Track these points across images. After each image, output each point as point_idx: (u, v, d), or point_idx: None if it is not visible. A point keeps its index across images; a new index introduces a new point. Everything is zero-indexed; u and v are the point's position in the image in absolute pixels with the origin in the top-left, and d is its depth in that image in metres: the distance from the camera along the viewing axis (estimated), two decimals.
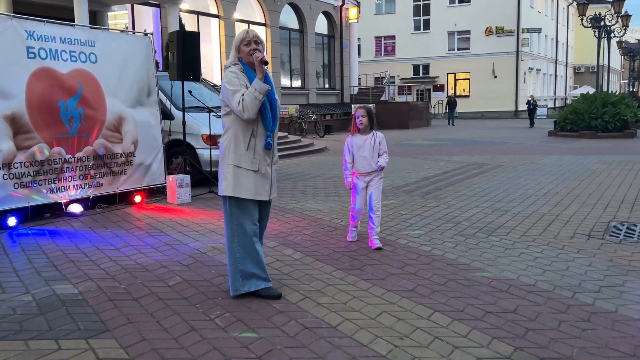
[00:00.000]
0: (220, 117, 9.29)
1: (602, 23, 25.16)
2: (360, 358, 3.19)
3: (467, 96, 43.11)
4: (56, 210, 7.13)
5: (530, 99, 30.14)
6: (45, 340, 3.45)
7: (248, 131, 3.95)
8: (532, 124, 29.20)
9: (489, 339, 3.43)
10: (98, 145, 7.49)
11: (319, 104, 24.82)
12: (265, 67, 3.95)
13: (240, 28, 21.20)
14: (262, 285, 4.10)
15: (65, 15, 12.13)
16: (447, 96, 36.45)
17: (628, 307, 3.89)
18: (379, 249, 5.41)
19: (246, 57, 3.98)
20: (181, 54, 8.47)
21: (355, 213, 5.65)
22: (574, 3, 47.40)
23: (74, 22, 11.43)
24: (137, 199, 7.94)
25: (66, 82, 7.08)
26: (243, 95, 3.82)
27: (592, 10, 31.36)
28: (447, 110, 33.23)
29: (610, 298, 4.08)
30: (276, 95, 4.13)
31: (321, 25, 26.27)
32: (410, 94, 34.98)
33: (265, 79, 3.93)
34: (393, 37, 45.14)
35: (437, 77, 43.96)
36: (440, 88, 43.79)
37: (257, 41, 4.00)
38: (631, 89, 46.66)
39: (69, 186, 7.18)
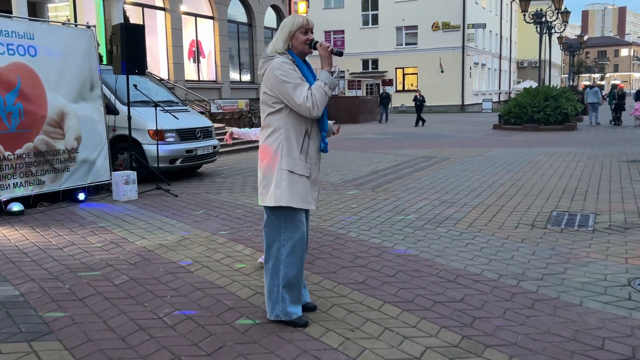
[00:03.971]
0: (166, 112, 9.22)
1: (543, 19, 25.93)
2: (311, 351, 3.19)
3: (416, 91, 43.69)
4: None
5: (417, 94, 27.39)
6: None
7: (302, 132, 3.44)
8: (419, 121, 25.84)
9: (437, 328, 3.49)
10: (39, 141, 7.23)
11: None
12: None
13: (187, 21, 20.86)
14: (300, 312, 3.59)
15: (2, 7, 11.64)
16: (381, 92, 31.75)
17: (569, 294, 4.03)
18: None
19: (301, 45, 3.44)
20: (125, 47, 8.26)
21: None
22: None
23: (11, 13, 10.99)
24: (81, 196, 7.72)
25: (3, 77, 6.80)
26: (311, 89, 3.35)
27: (534, 6, 32.18)
28: (379, 105, 29.66)
29: (553, 285, 4.21)
30: None
31: (270, 19, 26.10)
32: (360, 89, 35.27)
33: (313, 73, 3.52)
34: (342, 32, 45.28)
35: (386, 71, 44.38)
36: (390, 82, 44.23)
37: (312, 31, 3.53)
38: (571, 83, 48.33)
39: (9, 184, 6.91)
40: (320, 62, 3.45)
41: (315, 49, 3.49)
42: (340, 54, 3.47)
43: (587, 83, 73.96)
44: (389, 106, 30.76)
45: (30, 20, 7.98)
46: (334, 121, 3.98)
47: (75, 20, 16.29)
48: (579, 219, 6.39)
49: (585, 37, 59.13)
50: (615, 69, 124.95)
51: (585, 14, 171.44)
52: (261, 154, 3.52)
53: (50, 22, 9.07)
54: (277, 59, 3.40)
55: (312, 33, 3.49)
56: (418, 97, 26.75)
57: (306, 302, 3.76)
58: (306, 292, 3.80)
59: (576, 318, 3.61)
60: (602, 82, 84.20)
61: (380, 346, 3.25)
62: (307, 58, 3.54)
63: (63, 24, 9.20)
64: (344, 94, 32.03)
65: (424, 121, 25.98)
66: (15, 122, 6.93)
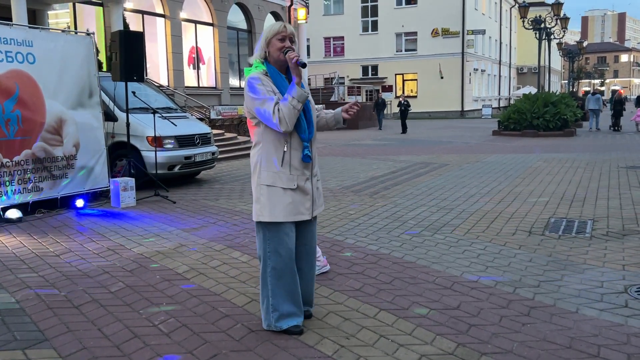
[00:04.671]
0: (165, 119, 9.23)
1: (542, 25, 26.00)
2: (306, 359, 3.18)
3: (415, 96, 43.78)
4: None
5: (401, 99, 26.00)
6: None
7: (281, 145, 3.38)
8: (404, 129, 24.54)
9: (433, 335, 3.48)
10: (37, 148, 7.24)
11: None
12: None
13: (187, 28, 20.92)
14: (295, 322, 3.52)
15: (2, 14, 11.68)
16: (376, 98, 29.33)
17: (565, 301, 4.03)
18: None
19: (276, 53, 3.38)
20: (124, 54, 8.28)
21: None
22: (516, 6, 48.78)
23: (11, 21, 11.03)
24: (80, 203, 7.72)
25: (2, 84, 6.81)
26: (278, 105, 3.26)
27: (533, 12, 32.34)
28: (374, 111, 28.29)
29: (549, 292, 4.21)
30: (310, 96, 3.52)
31: None
32: (359, 95, 35.29)
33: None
34: (342, 38, 45.41)
35: (386, 77, 44.46)
36: (389, 89, 44.30)
37: (292, 39, 3.42)
38: (571, 89, 48.40)
39: (7, 191, 6.92)
40: (292, 72, 3.36)
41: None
42: (303, 65, 3.33)
43: (587, 89, 74.14)
44: (384, 112, 29.52)
45: (29, 27, 8.01)
46: (322, 106, 3.84)
47: (76, 27, 16.35)
48: (576, 225, 6.39)
49: (585, 43, 59.23)
50: (615, 74, 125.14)
51: (585, 20, 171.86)
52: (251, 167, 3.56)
53: (50, 30, 9.10)
54: (248, 77, 3.40)
55: (291, 41, 3.40)
56: (402, 102, 25.47)
57: (296, 325, 3.59)
58: (310, 305, 3.76)
59: (572, 325, 3.60)
60: (602, 88, 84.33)
61: (375, 354, 3.25)
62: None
63: (63, 31, 9.24)
64: (344, 100, 32.04)
65: (405, 128, 24.56)
66: (13, 129, 6.94)
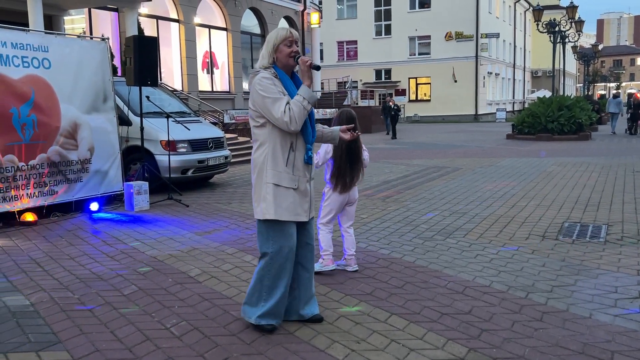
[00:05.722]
0: (178, 123, 9.29)
1: (557, 28, 25.83)
2: None
3: (428, 100, 43.69)
4: (9, 219, 6.93)
5: (391, 103, 24.83)
6: None
7: (287, 145, 3.48)
8: (394, 134, 23.66)
9: (444, 340, 3.47)
10: (52, 152, 7.32)
11: None
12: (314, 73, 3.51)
13: (201, 33, 21.06)
14: (274, 321, 3.60)
15: (19, 20, 11.83)
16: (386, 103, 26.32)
17: (578, 306, 3.99)
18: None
19: (285, 58, 3.48)
20: (138, 59, 8.35)
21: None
22: (531, 9, 48.51)
23: (28, 26, 11.17)
24: (94, 206, 7.79)
25: (18, 89, 6.90)
26: (289, 104, 3.37)
27: (548, 15, 32.16)
28: (381, 116, 26.10)
29: (562, 297, 4.17)
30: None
31: None
32: (372, 99, 35.29)
33: (298, 84, 3.52)
34: (355, 42, 45.44)
35: (399, 81, 44.41)
36: (402, 92, 44.26)
37: (297, 44, 3.55)
38: (586, 93, 47.99)
39: (22, 195, 7.00)
40: (301, 76, 3.49)
41: (298, 62, 3.52)
42: (317, 68, 3.45)
43: (603, 92, 73.45)
44: (397, 118, 26.97)
45: (45, 33, 8.11)
46: (324, 126, 3.88)
47: (91, 32, 16.52)
48: (591, 230, 6.33)
49: (600, 46, 58.76)
50: (631, 78, 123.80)
51: (600, 23, 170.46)
52: (252, 167, 3.60)
53: (65, 35, 9.21)
54: (259, 74, 3.47)
55: (297, 46, 3.53)
56: (392, 106, 24.18)
57: (314, 314, 3.76)
58: (314, 305, 3.79)
59: (585, 331, 3.57)
60: (619, 91, 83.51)
61: (386, 358, 3.24)
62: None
63: (78, 36, 9.34)
64: (357, 103, 32.05)
65: (394, 134, 23.68)
66: (29, 133, 7.02)
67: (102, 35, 8.48)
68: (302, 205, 3.55)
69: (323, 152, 4.66)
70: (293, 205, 3.50)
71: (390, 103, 24.88)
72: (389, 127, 24.89)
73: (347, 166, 4.67)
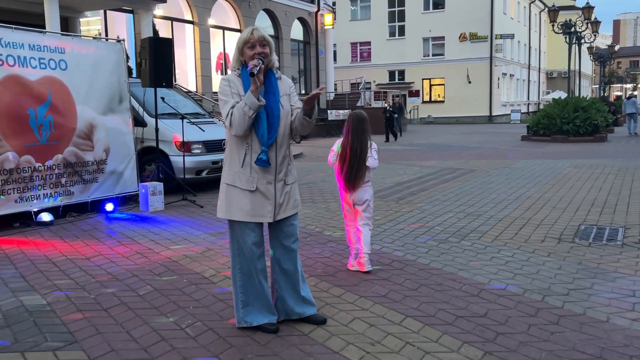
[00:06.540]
0: (193, 124, 9.33)
1: (572, 29, 25.63)
2: None
3: (442, 101, 43.54)
4: (26, 219, 7.00)
5: (386, 105, 23.87)
6: (10, 353, 3.38)
7: (243, 146, 3.48)
8: (394, 136, 22.92)
9: (459, 343, 3.45)
10: (68, 153, 7.38)
11: None
12: (279, 74, 3.54)
13: (215, 34, 21.16)
14: (267, 320, 3.63)
15: (36, 22, 11.95)
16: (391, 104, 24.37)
17: (596, 310, 3.95)
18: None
19: (249, 60, 3.45)
20: (153, 60, 8.40)
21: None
22: (546, 9, 48.19)
23: (45, 28, 11.29)
24: (109, 207, 7.84)
25: (35, 90, 6.97)
26: (232, 108, 3.39)
27: (563, 16, 31.93)
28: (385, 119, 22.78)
29: (579, 301, 4.13)
30: (283, 101, 3.56)
31: (297, 31, 26.31)
32: (385, 100, 35.19)
33: (269, 85, 3.49)
34: (369, 43, 45.42)
35: (413, 82, 44.31)
36: (416, 93, 44.15)
37: (263, 43, 3.47)
38: (602, 94, 47.56)
39: (39, 195, 7.07)
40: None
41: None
42: (252, 74, 3.32)
43: (619, 94, 72.71)
44: (401, 118, 26.10)
45: (61, 34, 8.19)
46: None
47: (106, 34, 16.65)
48: (607, 232, 6.27)
49: (617, 47, 58.22)
50: None
51: (616, 24, 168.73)
52: None
53: (81, 37, 9.29)
54: (222, 77, 3.60)
55: (262, 45, 3.46)
56: (388, 108, 23.05)
57: (312, 314, 3.76)
58: (307, 306, 3.79)
59: (602, 335, 3.53)
60: (635, 92, 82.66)
61: None
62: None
63: (94, 38, 9.41)
64: (370, 105, 32.00)
65: (395, 136, 22.96)
66: (45, 134, 7.09)
67: (118, 37, 8.55)
68: (263, 206, 3.54)
69: (331, 152, 4.96)
70: (250, 206, 3.51)
71: (386, 104, 24.09)
72: (390, 132, 22.84)
73: (347, 167, 4.83)
